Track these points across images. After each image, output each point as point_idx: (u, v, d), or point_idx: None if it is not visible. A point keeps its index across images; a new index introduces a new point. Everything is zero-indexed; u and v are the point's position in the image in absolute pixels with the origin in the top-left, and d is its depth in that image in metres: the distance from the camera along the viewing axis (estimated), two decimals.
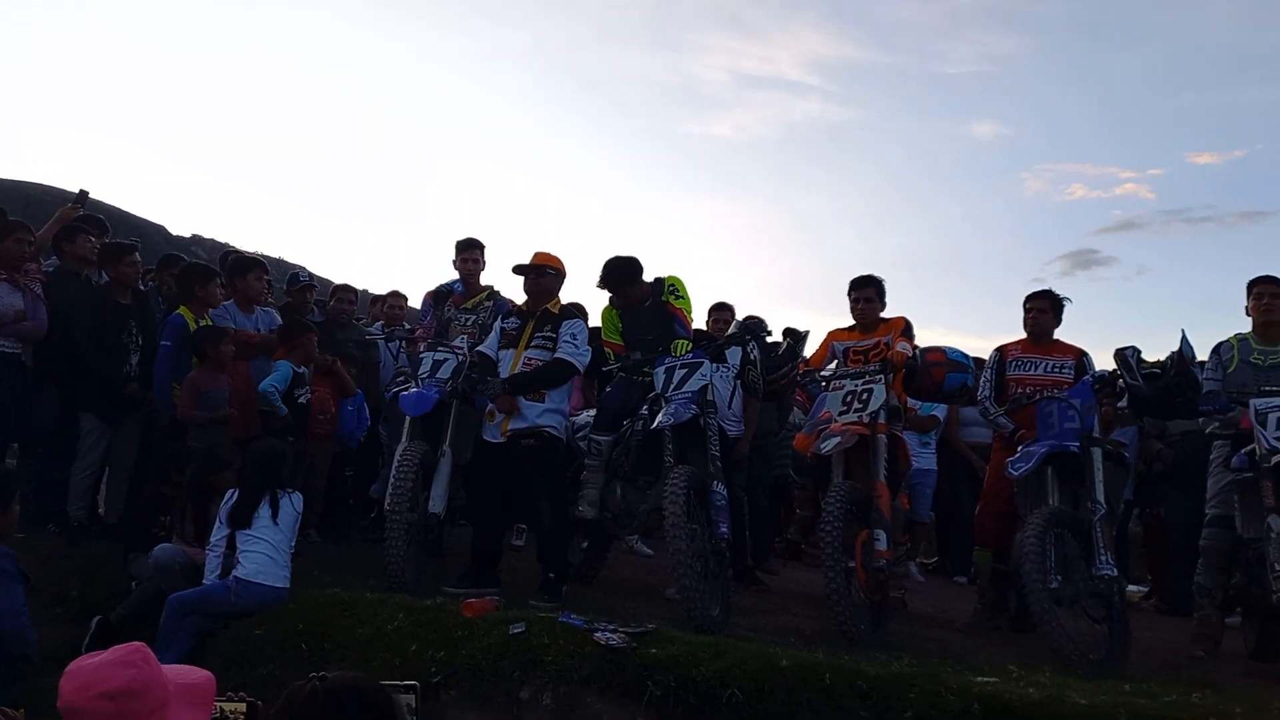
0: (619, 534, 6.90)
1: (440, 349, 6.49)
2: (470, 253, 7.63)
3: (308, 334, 7.03)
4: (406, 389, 6.53)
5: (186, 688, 2.30)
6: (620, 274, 6.48)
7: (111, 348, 6.77)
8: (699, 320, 7.39)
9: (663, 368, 5.94)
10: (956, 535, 9.22)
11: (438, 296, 7.59)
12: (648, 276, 6.55)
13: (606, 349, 6.66)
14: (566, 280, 6.52)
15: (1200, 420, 6.17)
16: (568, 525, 6.27)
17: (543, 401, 6.08)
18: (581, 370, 6.38)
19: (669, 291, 6.43)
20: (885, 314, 6.68)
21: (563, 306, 6.44)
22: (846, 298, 6.72)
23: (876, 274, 6.70)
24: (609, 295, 6.59)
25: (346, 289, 8.60)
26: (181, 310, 6.92)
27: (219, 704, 2.42)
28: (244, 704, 2.51)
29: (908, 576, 8.55)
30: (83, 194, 7.52)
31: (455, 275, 7.73)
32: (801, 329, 7.26)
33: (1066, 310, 6.55)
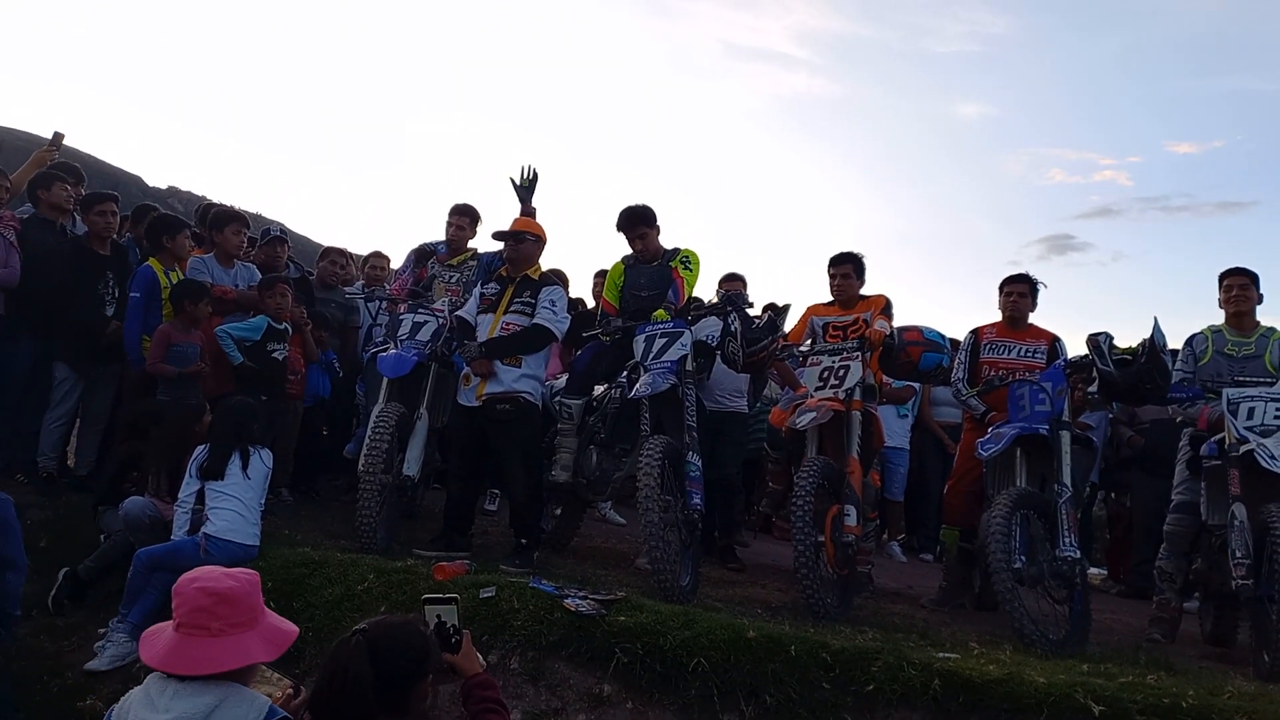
0: (593, 500, 6.92)
1: (421, 311, 6.45)
2: (460, 219, 7.47)
3: (277, 286, 6.93)
4: (385, 350, 6.51)
5: (275, 630, 2.55)
6: (636, 217, 6.51)
7: (87, 298, 6.69)
8: (709, 291, 7.43)
9: (643, 335, 5.94)
10: (923, 513, 9.32)
11: (420, 254, 7.46)
12: (667, 244, 6.62)
13: (602, 306, 6.71)
14: (546, 246, 6.47)
15: (1171, 408, 6.26)
16: (540, 491, 6.28)
17: (519, 367, 6.06)
18: (559, 337, 6.36)
19: (680, 260, 6.46)
20: (865, 291, 6.70)
21: (543, 273, 6.42)
22: (826, 274, 6.74)
23: (855, 251, 6.73)
24: (627, 244, 6.60)
25: (339, 252, 8.33)
26: (151, 262, 6.82)
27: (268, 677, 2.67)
28: (290, 685, 2.77)
29: (890, 557, 8.63)
30: (58, 136, 7.41)
31: (442, 236, 7.63)
32: (781, 303, 7.26)
33: (1041, 294, 6.63)
